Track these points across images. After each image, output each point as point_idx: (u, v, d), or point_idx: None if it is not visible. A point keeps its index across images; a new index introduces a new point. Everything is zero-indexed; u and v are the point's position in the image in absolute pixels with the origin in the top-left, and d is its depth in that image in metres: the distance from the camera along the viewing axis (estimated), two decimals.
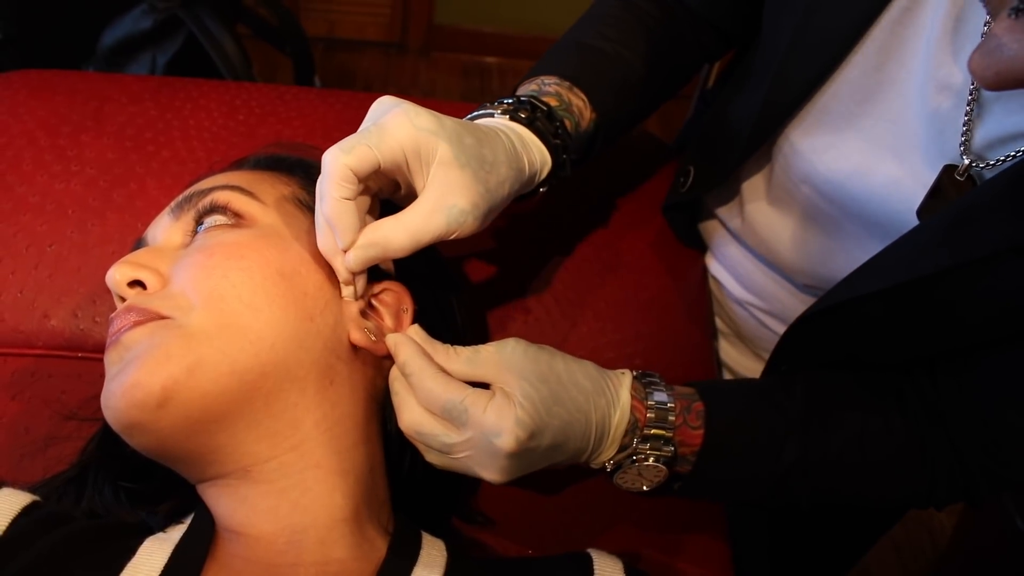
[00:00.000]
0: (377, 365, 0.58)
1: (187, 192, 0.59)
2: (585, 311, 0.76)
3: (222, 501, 0.53)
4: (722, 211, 0.79)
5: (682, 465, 0.58)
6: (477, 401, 0.51)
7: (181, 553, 0.50)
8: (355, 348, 0.56)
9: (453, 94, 2.54)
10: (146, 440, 0.50)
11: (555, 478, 0.69)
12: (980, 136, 0.55)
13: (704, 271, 0.84)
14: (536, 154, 0.59)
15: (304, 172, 0.63)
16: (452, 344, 0.56)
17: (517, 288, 0.76)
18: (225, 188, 0.57)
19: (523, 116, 0.59)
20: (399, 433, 0.59)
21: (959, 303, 0.54)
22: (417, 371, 0.53)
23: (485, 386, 0.53)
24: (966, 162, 0.55)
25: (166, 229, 0.58)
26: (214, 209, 0.56)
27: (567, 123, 0.63)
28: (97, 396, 0.64)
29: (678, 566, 0.69)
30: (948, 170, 0.56)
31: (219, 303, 0.51)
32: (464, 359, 0.54)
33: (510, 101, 0.60)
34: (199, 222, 0.57)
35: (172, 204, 0.59)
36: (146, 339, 0.50)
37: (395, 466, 0.59)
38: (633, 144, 0.90)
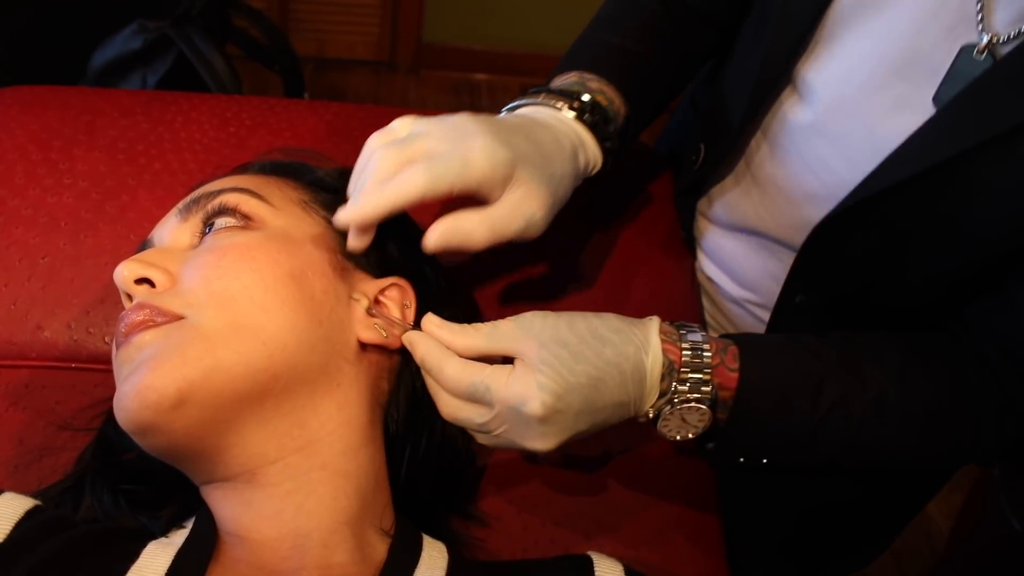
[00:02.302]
0: (381, 368, 0.59)
1: (195, 194, 0.59)
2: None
3: (227, 505, 0.53)
4: (729, 182, 0.77)
5: (721, 410, 0.57)
6: (497, 377, 0.53)
7: (184, 557, 0.50)
8: (362, 350, 0.57)
9: (443, 112, 2.53)
10: (157, 441, 0.50)
11: (555, 479, 0.69)
12: (998, 18, 0.54)
13: (693, 272, 0.84)
14: (591, 156, 0.64)
15: (308, 176, 0.63)
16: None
17: (508, 289, 0.76)
18: (235, 190, 0.58)
19: (588, 119, 0.64)
20: (401, 435, 0.59)
21: (981, 200, 0.53)
22: (436, 363, 0.55)
23: (510, 361, 0.54)
24: (985, 39, 0.54)
25: (173, 230, 0.58)
26: (224, 211, 0.57)
27: (615, 122, 0.67)
28: (91, 406, 0.65)
29: (676, 568, 0.69)
30: (965, 51, 0.55)
31: (231, 303, 0.51)
32: (484, 335, 0.55)
33: (572, 96, 0.64)
34: (208, 223, 0.57)
35: (180, 205, 0.59)
36: (160, 340, 0.50)
37: (396, 468, 0.59)
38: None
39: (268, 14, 1.92)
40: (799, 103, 0.66)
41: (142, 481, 0.58)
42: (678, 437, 0.57)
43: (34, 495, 0.55)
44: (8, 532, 0.50)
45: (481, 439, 0.57)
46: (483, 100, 2.62)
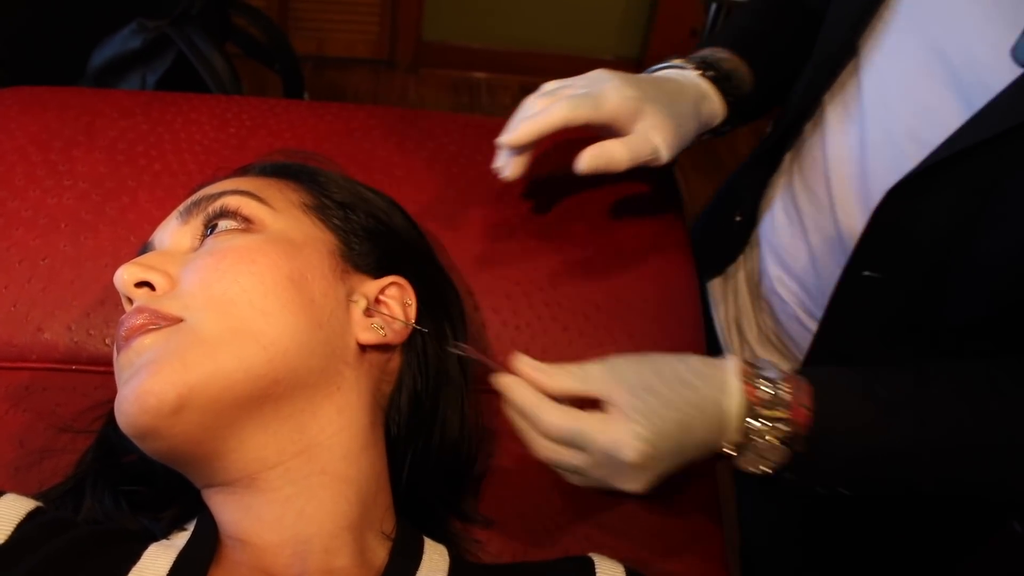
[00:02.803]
0: (382, 370, 0.59)
1: (195, 196, 0.59)
2: (576, 314, 0.76)
3: (227, 509, 0.53)
4: (800, 153, 0.77)
5: (797, 445, 0.58)
6: (593, 425, 0.55)
7: (185, 559, 0.50)
8: (362, 353, 0.57)
9: (442, 110, 2.55)
10: (157, 445, 0.50)
11: (556, 481, 0.69)
12: None
13: (694, 273, 0.84)
14: (715, 107, 0.73)
15: (309, 179, 0.63)
16: (455, 340, 0.62)
17: (507, 291, 0.76)
18: (235, 193, 0.58)
19: (710, 75, 0.74)
20: (402, 438, 0.60)
21: None
22: (532, 408, 0.56)
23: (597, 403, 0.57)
24: None
25: (174, 233, 0.58)
26: (224, 213, 0.57)
27: (741, 86, 0.76)
28: (91, 408, 0.65)
29: (677, 570, 0.69)
30: None
31: (230, 307, 0.51)
32: (576, 378, 0.57)
33: (698, 60, 0.75)
34: (208, 226, 0.57)
35: (180, 208, 0.59)
36: (160, 344, 0.50)
37: (397, 470, 0.59)
38: None
39: (267, 13, 1.93)
40: (862, 70, 0.67)
41: (143, 483, 0.58)
42: (756, 470, 0.59)
43: (35, 497, 0.55)
44: (9, 533, 0.50)
45: (572, 479, 0.59)
46: (483, 99, 2.62)
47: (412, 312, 0.60)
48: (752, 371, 0.58)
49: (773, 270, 0.80)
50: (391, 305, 0.59)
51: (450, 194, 0.82)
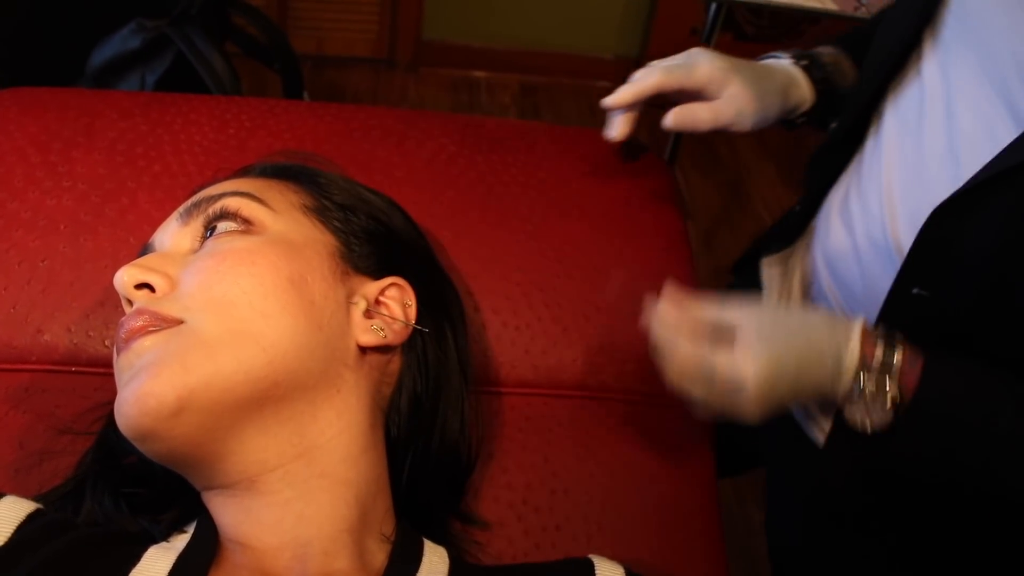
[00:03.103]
0: (382, 372, 0.59)
1: (195, 198, 0.59)
2: (576, 315, 0.76)
3: (227, 512, 0.53)
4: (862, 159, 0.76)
5: (901, 408, 0.60)
6: (721, 360, 0.59)
7: (185, 562, 0.50)
8: (362, 355, 0.57)
9: (442, 109, 2.55)
10: (157, 447, 0.50)
11: (557, 482, 0.69)
12: None
13: (694, 273, 0.84)
14: (803, 93, 0.79)
15: (309, 180, 0.63)
16: (451, 334, 0.64)
17: (507, 292, 0.76)
18: (235, 194, 0.58)
19: (803, 63, 0.80)
20: (402, 440, 0.59)
21: None
22: (671, 340, 0.61)
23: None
24: None
25: (174, 234, 0.58)
26: (224, 215, 0.57)
27: (835, 77, 0.81)
28: (91, 410, 0.64)
29: (678, 571, 0.69)
30: None
31: (230, 308, 0.51)
32: (715, 306, 0.62)
33: (796, 52, 0.81)
34: (209, 227, 0.57)
35: (180, 209, 0.59)
36: (160, 347, 0.50)
37: (397, 473, 0.59)
38: (625, 153, 0.91)
39: (267, 12, 1.92)
40: (924, 73, 0.67)
41: (143, 485, 0.58)
42: (860, 426, 0.62)
43: (35, 499, 0.55)
44: (9, 535, 0.50)
45: (696, 407, 0.63)
46: (483, 97, 2.62)
47: (412, 313, 0.60)
48: (874, 333, 0.61)
49: (824, 275, 0.79)
50: (391, 306, 0.59)
51: (450, 195, 0.81)
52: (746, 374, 0.59)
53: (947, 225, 0.61)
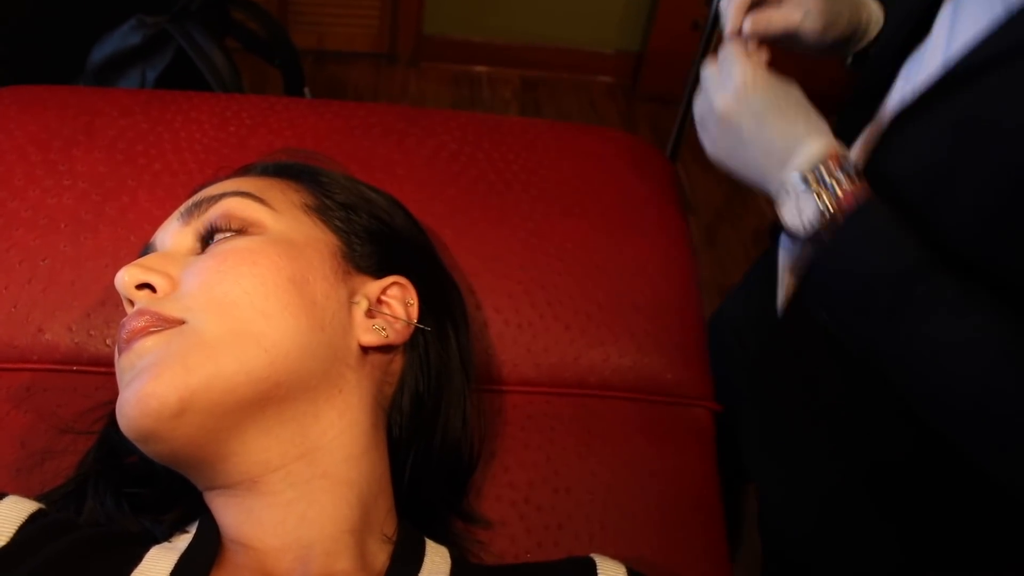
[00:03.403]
0: (384, 372, 0.59)
1: (196, 198, 0.59)
2: (578, 313, 0.76)
3: (229, 512, 0.52)
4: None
5: (830, 231, 0.61)
6: (711, 75, 0.68)
7: (187, 562, 0.50)
8: (364, 355, 0.56)
9: (443, 104, 2.54)
10: (159, 448, 0.50)
11: (558, 482, 0.69)
12: None
13: (694, 272, 0.84)
14: (873, 13, 0.79)
15: (311, 179, 0.63)
16: (453, 333, 0.64)
17: (509, 290, 0.76)
18: (236, 194, 0.57)
19: None
20: (404, 440, 0.59)
21: None
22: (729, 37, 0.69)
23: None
24: None
25: (175, 234, 0.58)
26: (225, 215, 0.56)
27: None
28: (93, 409, 0.64)
29: (680, 570, 0.69)
30: None
31: (232, 309, 0.51)
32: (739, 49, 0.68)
33: None
34: (210, 227, 0.57)
35: (181, 209, 0.59)
36: (162, 347, 0.50)
37: (399, 472, 0.59)
38: (624, 147, 0.91)
39: (267, 7, 1.92)
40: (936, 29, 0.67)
41: (145, 485, 0.58)
42: (788, 222, 0.63)
43: (37, 498, 0.55)
44: (11, 535, 0.50)
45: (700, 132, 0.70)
46: (484, 92, 2.62)
47: (414, 311, 0.60)
48: (841, 151, 0.63)
49: None
50: (393, 305, 0.59)
51: (451, 192, 0.81)
52: (719, 102, 0.66)
53: (893, 140, 0.65)
